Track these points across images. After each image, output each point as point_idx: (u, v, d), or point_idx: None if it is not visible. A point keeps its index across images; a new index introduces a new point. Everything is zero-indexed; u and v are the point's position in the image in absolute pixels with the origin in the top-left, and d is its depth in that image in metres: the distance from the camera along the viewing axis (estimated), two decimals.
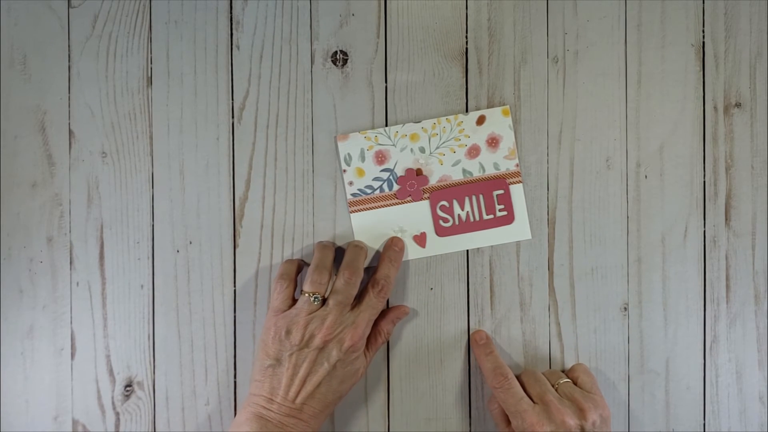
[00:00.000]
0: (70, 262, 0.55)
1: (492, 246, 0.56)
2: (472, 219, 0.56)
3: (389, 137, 0.56)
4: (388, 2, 0.56)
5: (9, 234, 0.55)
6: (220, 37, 0.56)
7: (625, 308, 0.56)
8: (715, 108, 0.57)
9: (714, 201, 0.57)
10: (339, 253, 0.55)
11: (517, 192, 0.56)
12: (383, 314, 0.55)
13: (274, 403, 0.49)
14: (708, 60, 0.57)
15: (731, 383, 0.57)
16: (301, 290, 0.52)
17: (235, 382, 0.56)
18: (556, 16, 0.56)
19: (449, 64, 0.56)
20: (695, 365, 0.57)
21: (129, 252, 0.56)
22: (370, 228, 0.56)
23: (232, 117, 0.56)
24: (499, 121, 0.56)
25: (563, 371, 0.56)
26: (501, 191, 0.56)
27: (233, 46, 0.56)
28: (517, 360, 0.56)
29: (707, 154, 0.57)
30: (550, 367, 0.56)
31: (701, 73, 0.57)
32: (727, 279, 0.57)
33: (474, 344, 0.56)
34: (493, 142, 0.56)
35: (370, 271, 0.55)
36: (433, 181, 0.56)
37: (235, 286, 0.56)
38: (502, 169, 0.56)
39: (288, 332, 0.50)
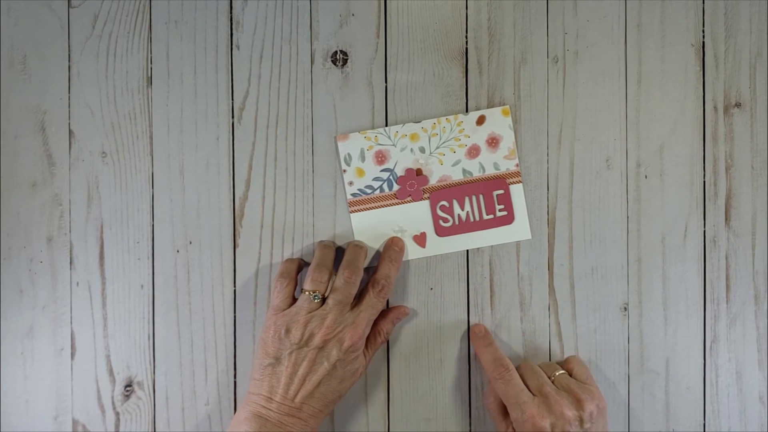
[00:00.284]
0: (70, 262, 0.55)
1: (492, 246, 0.56)
2: (472, 219, 0.56)
3: (389, 137, 0.56)
4: (388, 2, 0.56)
5: (9, 234, 0.55)
6: (220, 37, 0.56)
7: (625, 308, 0.56)
8: (715, 108, 0.57)
9: (714, 201, 0.57)
10: (339, 252, 0.55)
11: (517, 192, 0.56)
12: (383, 314, 0.55)
13: (274, 402, 0.49)
14: (708, 60, 0.57)
15: (731, 383, 0.57)
16: (302, 288, 0.52)
17: (234, 382, 0.56)
18: (556, 16, 0.56)
19: (449, 64, 0.56)
20: (695, 365, 0.57)
21: (129, 252, 0.56)
22: (370, 228, 0.56)
23: (232, 117, 0.56)
24: (499, 121, 0.56)
25: (558, 363, 0.56)
26: (501, 191, 0.56)
27: (233, 46, 0.56)
28: (516, 360, 0.56)
29: (707, 154, 0.57)
30: None
31: (701, 73, 0.57)
32: (727, 279, 0.57)
33: (473, 336, 0.56)
34: (493, 142, 0.56)
35: (370, 270, 0.55)
36: (433, 181, 0.56)
37: (235, 286, 0.56)
38: (502, 169, 0.56)
39: (288, 331, 0.50)
